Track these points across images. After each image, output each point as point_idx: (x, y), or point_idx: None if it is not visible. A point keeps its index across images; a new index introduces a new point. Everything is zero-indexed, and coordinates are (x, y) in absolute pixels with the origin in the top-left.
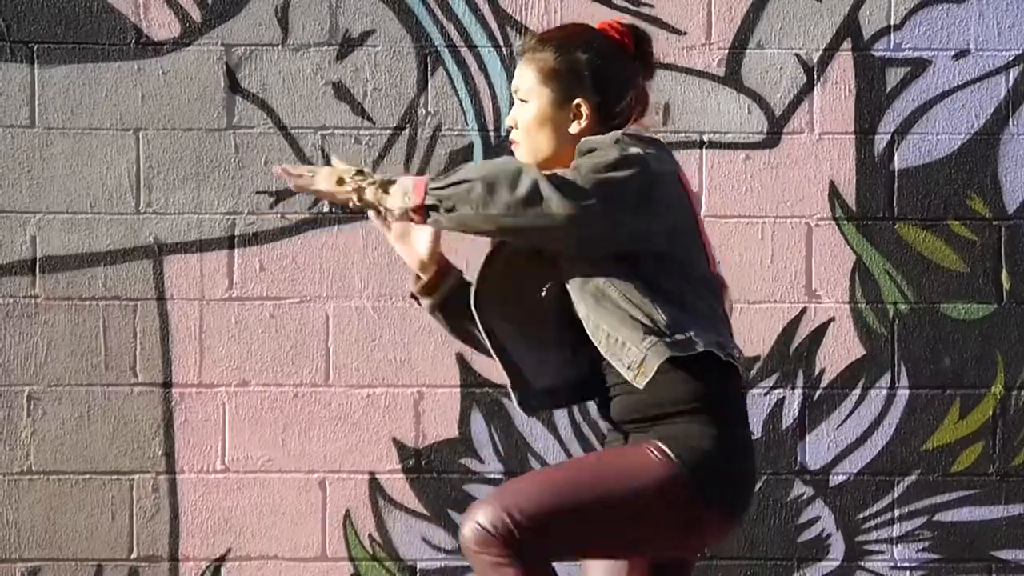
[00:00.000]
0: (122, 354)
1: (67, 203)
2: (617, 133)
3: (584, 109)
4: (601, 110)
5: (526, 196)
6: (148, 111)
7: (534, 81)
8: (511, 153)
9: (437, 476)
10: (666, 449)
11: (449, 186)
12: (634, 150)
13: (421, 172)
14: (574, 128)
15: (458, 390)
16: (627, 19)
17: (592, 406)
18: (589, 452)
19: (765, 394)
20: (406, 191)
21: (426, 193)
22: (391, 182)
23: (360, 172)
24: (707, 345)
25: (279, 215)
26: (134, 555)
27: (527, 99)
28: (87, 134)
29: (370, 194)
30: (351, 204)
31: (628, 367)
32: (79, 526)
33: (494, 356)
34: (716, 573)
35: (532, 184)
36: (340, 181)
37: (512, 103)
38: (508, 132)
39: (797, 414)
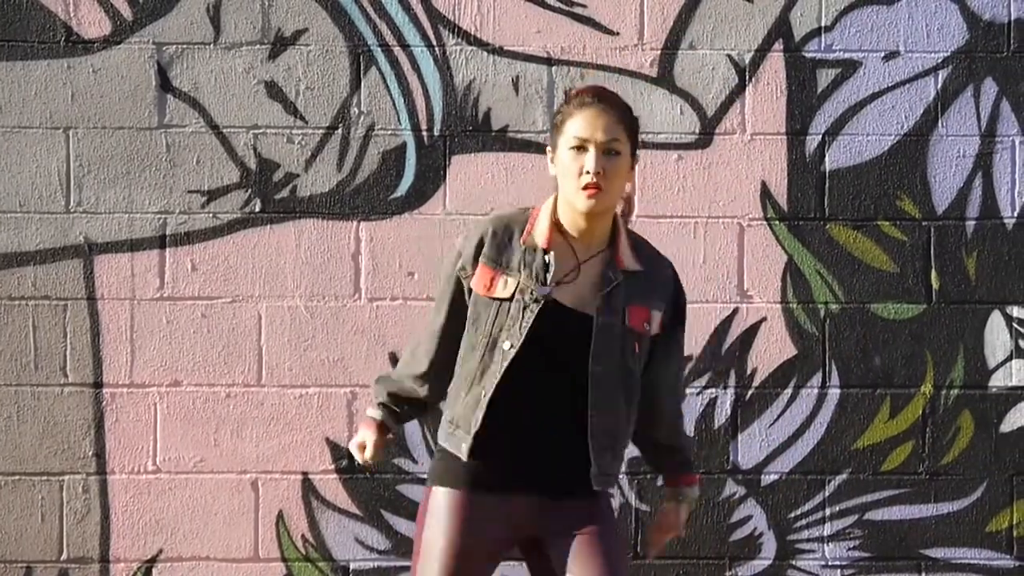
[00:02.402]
0: (52, 354)
1: None
2: None
3: (635, 167)
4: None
5: None
6: (78, 109)
7: (622, 135)
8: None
9: (370, 476)
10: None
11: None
12: None
13: (353, 174)
14: (629, 181)
15: None
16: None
17: None
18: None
19: (697, 394)
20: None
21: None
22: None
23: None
24: None
25: (211, 214)
26: (64, 557)
27: (620, 151)
28: (16, 132)
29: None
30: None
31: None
32: (8, 527)
33: None
34: (649, 572)
35: None
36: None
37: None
38: (593, 177)
39: (729, 414)
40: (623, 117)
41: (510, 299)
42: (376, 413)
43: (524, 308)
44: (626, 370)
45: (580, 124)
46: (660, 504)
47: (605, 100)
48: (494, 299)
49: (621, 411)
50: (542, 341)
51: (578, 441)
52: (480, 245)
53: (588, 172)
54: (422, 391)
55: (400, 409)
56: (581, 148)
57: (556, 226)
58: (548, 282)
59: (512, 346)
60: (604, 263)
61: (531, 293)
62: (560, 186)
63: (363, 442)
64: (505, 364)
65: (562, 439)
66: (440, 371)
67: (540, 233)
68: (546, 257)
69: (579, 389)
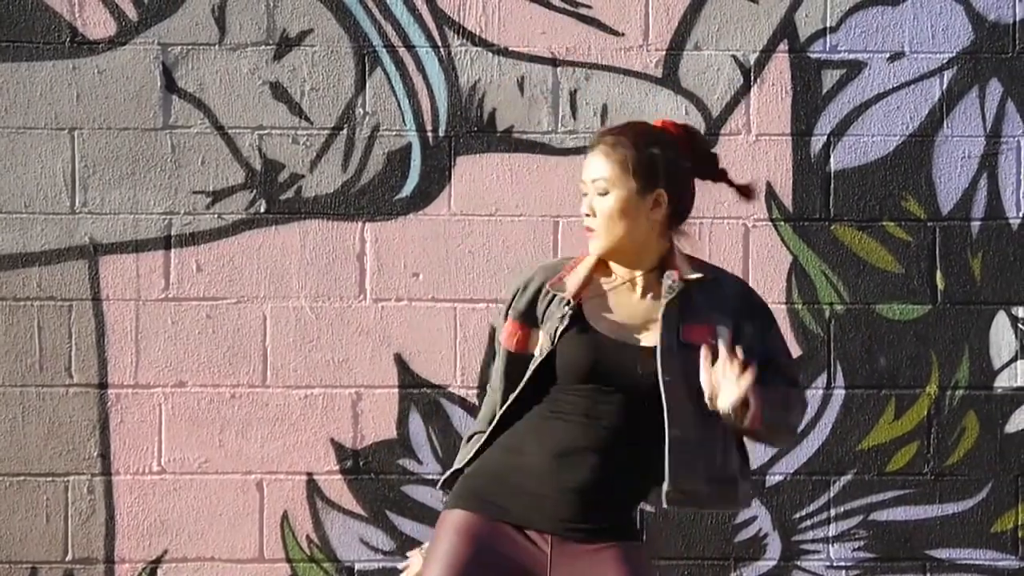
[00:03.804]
0: (57, 355)
1: (1, 202)
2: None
3: (663, 200)
4: (674, 203)
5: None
6: (83, 110)
7: (616, 173)
8: (588, 231)
9: (375, 477)
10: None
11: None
12: None
13: (358, 175)
14: (655, 216)
15: (396, 391)
16: (680, 118)
17: None
18: None
19: None
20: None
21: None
22: None
23: None
24: None
25: (216, 215)
26: (69, 557)
27: (609, 190)
28: (21, 133)
29: None
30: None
31: None
32: (13, 528)
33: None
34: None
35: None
36: None
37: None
38: (584, 219)
39: None
40: (620, 153)
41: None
42: None
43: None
44: (694, 386)
45: (583, 167)
46: None
47: (605, 140)
48: (519, 356)
49: (696, 427)
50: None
51: (601, 480)
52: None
53: (584, 215)
54: None
55: None
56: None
57: (591, 277)
58: (555, 337)
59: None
60: (656, 280)
61: (540, 349)
62: None
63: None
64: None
65: (587, 481)
66: None
67: (573, 281)
68: (567, 308)
69: (632, 415)
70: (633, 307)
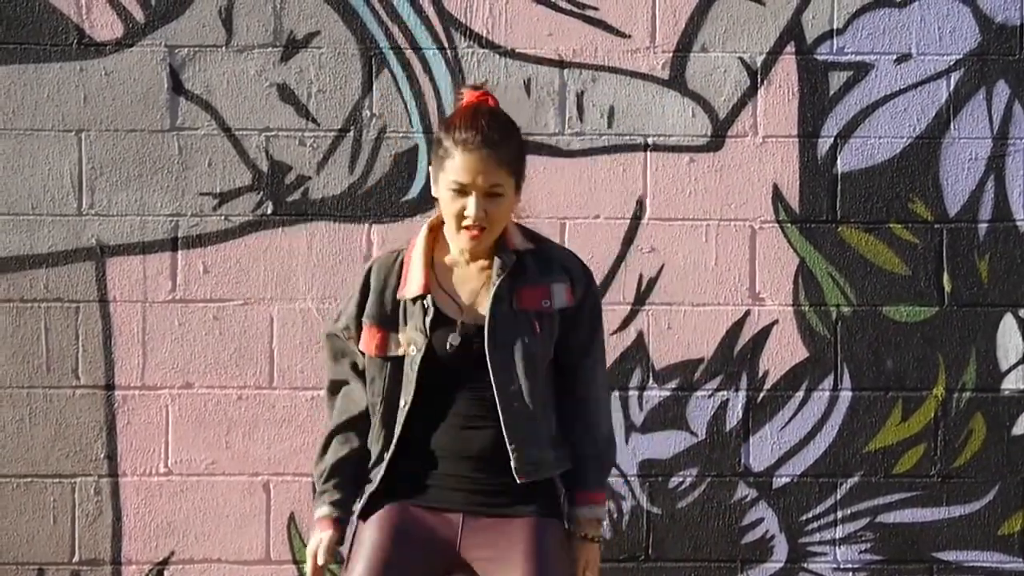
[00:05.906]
0: (64, 356)
1: (8, 204)
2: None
3: (521, 191)
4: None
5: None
6: (91, 112)
7: (505, 175)
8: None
9: None
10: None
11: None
12: None
13: (365, 176)
14: (516, 207)
15: None
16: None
17: None
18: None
19: (709, 396)
20: (600, 517)
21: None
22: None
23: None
24: None
25: (223, 217)
26: (76, 559)
27: (503, 193)
28: (29, 135)
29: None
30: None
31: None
32: (20, 529)
33: None
34: (660, 575)
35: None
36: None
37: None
38: (475, 222)
39: (741, 416)
40: (506, 156)
41: (402, 357)
42: (326, 510)
43: (412, 362)
44: (528, 354)
45: (460, 169)
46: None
47: (488, 143)
48: (386, 358)
49: (530, 397)
50: (444, 363)
51: (500, 446)
52: (362, 302)
53: (468, 217)
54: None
55: (351, 489)
56: (461, 191)
57: (431, 263)
58: (427, 330)
59: (406, 402)
60: (493, 254)
61: (414, 346)
62: (443, 214)
63: (315, 549)
64: (403, 418)
65: (485, 450)
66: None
67: (414, 281)
68: (424, 303)
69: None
70: (472, 281)
